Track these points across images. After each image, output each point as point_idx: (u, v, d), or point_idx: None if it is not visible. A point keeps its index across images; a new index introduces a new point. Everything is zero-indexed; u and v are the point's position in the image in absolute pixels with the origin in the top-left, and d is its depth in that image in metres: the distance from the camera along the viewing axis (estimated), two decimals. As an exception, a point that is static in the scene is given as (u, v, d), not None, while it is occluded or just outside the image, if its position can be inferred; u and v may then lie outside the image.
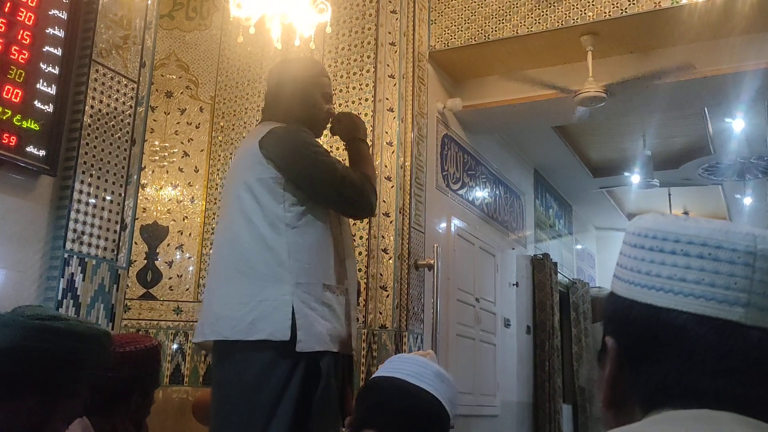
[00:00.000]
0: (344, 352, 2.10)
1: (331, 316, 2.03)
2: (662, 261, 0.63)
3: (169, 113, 4.12)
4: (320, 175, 2.08)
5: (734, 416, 0.58)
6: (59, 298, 2.38)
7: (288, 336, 1.91)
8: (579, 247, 8.34)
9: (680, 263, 0.62)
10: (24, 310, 1.24)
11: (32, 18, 2.36)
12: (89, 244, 2.50)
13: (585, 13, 3.76)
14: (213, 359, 2.09)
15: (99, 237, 2.54)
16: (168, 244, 3.96)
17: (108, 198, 2.59)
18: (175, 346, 3.81)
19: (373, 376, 1.53)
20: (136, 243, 3.82)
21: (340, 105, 3.69)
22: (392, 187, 3.61)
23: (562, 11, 3.82)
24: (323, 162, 2.10)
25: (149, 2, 2.84)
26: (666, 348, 0.62)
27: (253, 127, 2.48)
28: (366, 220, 3.54)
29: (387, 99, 3.71)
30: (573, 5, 3.79)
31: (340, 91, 3.77)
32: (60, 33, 2.45)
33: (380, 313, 3.48)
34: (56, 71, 2.42)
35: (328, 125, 2.33)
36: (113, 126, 2.63)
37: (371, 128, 3.62)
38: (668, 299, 0.62)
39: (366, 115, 3.67)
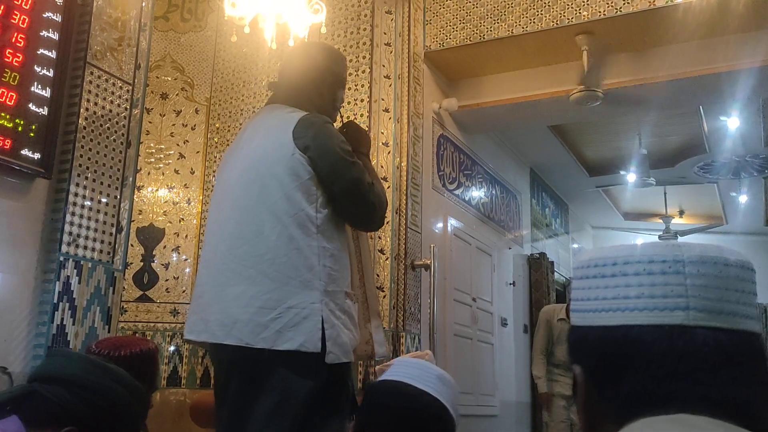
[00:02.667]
0: (355, 360, 2.07)
1: (351, 324, 1.95)
2: (605, 285, 0.70)
3: (164, 115, 4.11)
4: (352, 176, 1.98)
5: (711, 420, 0.60)
6: (55, 301, 2.37)
7: (319, 348, 1.81)
8: (575, 246, 8.35)
9: (621, 283, 0.68)
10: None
11: (26, 21, 2.35)
12: (85, 247, 2.50)
13: (580, 13, 3.76)
14: (224, 363, 1.97)
15: (95, 240, 2.54)
16: (164, 246, 3.95)
17: (103, 200, 2.58)
18: (172, 348, 3.80)
19: (376, 380, 1.53)
20: (132, 245, 3.81)
21: (335, 106, 3.68)
22: (388, 187, 3.60)
23: (557, 11, 3.82)
24: (355, 164, 2.01)
25: (144, 4, 2.83)
26: (627, 361, 0.66)
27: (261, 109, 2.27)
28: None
29: (383, 99, 3.71)
30: (568, 5, 3.79)
31: (336, 91, 3.77)
32: (54, 35, 2.45)
33: (377, 314, 3.48)
34: (51, 74, 2.41)
35: None
36: (108, 128, 2.63)
37: (367, 129, 3.62)
38: (618, 317, 0.68)
39: (362, 116, 3.66)
